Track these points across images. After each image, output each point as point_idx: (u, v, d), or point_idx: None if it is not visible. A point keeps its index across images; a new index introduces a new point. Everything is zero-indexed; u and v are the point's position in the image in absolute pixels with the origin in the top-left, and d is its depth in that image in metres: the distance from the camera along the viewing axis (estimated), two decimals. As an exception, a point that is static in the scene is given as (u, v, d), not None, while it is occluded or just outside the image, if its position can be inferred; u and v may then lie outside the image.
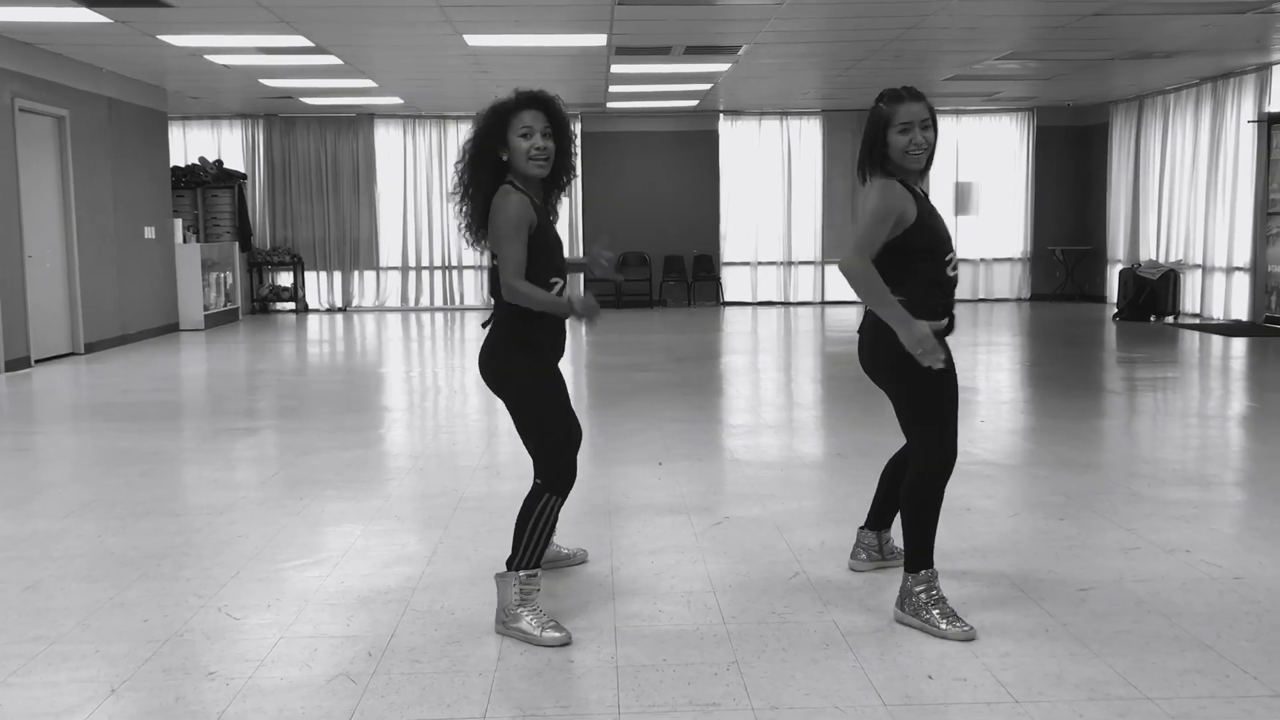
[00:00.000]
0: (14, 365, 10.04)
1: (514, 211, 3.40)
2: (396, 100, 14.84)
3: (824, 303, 16.90)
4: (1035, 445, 6.38)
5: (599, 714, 2.89)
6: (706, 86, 13.71)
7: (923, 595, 3.46)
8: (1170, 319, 13.63)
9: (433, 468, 5.96)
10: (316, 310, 16.71)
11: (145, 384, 9.49)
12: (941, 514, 4.77)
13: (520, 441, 3.60)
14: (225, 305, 15.00)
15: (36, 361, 10.49)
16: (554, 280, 3.47)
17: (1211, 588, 3.80)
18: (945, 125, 16.85)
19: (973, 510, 4.87)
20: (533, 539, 3.47)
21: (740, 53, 11.39)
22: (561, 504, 3.52)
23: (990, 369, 9.86)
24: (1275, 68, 12.71)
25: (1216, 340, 11.57)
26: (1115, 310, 14.36)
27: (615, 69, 12.20)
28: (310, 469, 5.84)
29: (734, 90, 14.28)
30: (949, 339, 3.59)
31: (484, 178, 3.49)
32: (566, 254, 3.69)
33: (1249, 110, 13.05)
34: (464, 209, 3.55)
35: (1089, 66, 12.65)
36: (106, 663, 3.25)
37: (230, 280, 15.25)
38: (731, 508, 4.87)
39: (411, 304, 16.80)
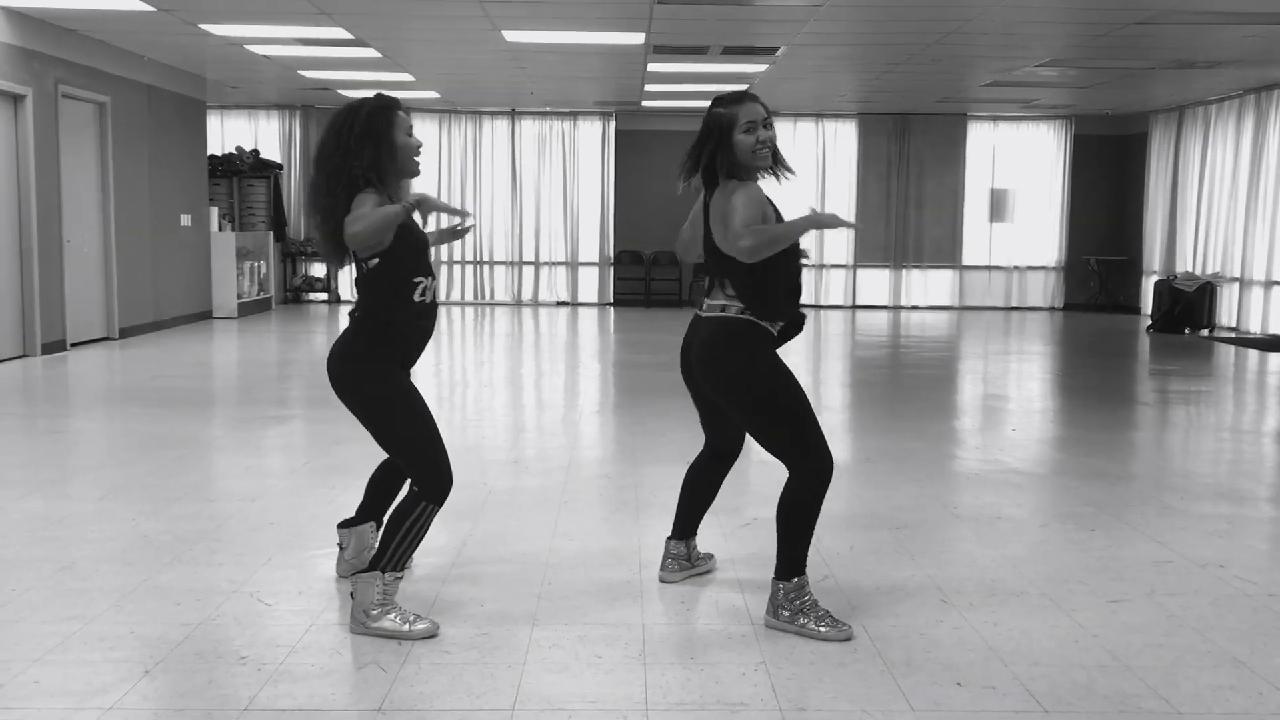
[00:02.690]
0: (50, 349, 10.15)
1: (374, 204, 3.29)
2: (433, 94, 14.90)
3: (855, 306, 16.85)
4: (1066, 455, 6.34)
5: (627, 710, 2.90)
6: (743, 87, 13.69)
7: (796, 602, 3.43)
8: (1205, 332, 13.49)
9: (461, 461, 5.95)
10: (348, 301, 16.81)
11: (178, 370, 9.57)
12: (971, 521, 4.79)
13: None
14: (258, 294, 15.10)
15: (72, 345, 10.60)
16: (418, 280, 3.42)
17: (1245, 604, 3.77)
18: (981, 131, 16.80)
19: (1003, 519, 4.85)
20: (404, 544, 3.41)
21: (778, 54, 11.37)
22: (437, 511, 3.45)
23: (1022, 378, 9.80)
24: (1319, 81, 12.56)
25: (1252, 355, 11.45)
26: (1149, 322, 14.24)
27: (652, 68, 12.20)
28: (341, 458, 5.88)
29: (770, 91, 14.25)
30: (791, 341, 3.65)
31: (354, 178, 3.36)
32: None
33: (1291, 123, 12.90)
34: (322, 218, 3.42)
35: (1129, 76, 12.54)
36: (140, 644, 3.28)
37: (264, 270, 15.36)
38: (759, 509, 4.87)
39: (442, 298, 16.87)
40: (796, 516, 3.46)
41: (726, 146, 3.45)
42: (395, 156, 3.42)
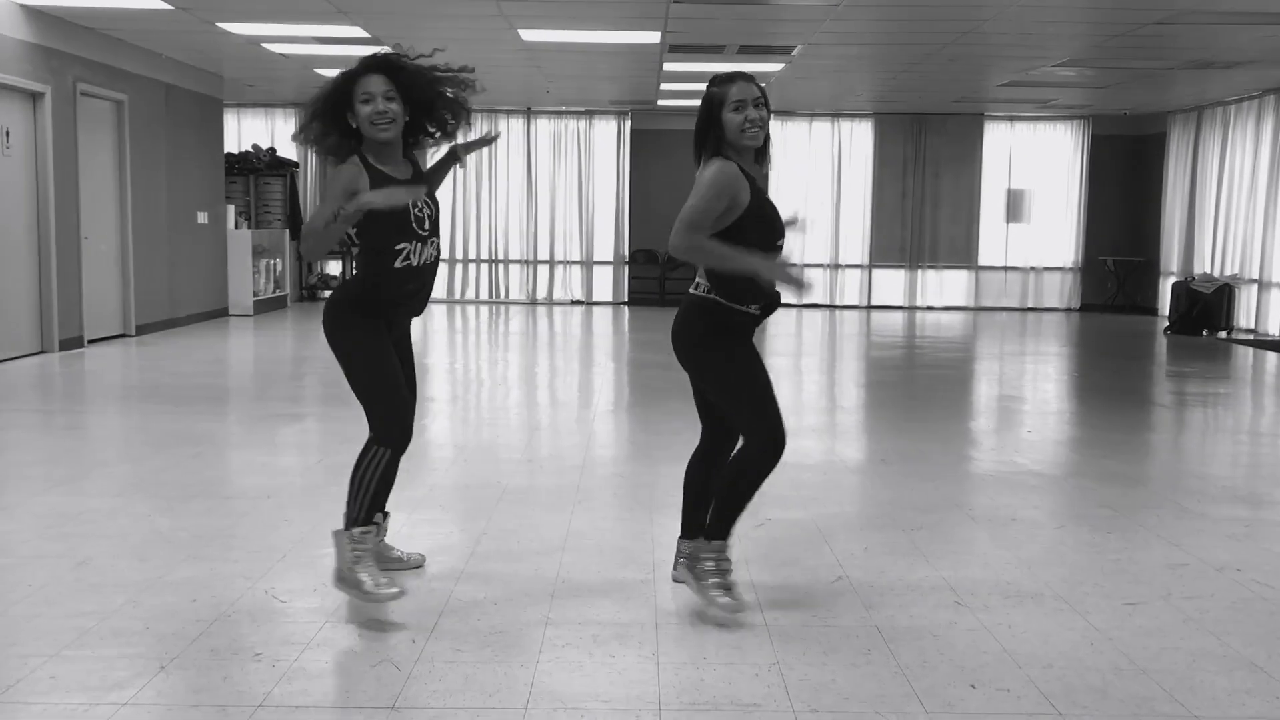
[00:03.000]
0: (68, 345, 10.21)
1: (340, 182, 3.47)
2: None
3: (870, 306, 16.81)
4: (1082, 457, 6.31)
5: (640, 710, 2.90)
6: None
7: (710, 564, 3.57)
8: (1223, 334, 13.42)
9: (476, 459, 5.99)
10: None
11: (194, 367, 9.61)
12: (987, 523, 4.77)
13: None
14: (274, 292, 15.15)
15: (89, 342, 10.66)
16: (401, 246, 3.53)
17: (1262, 608, 3.74)
18: (998, 131, 16.74)
19: (1018, 520, 4.83)
20: (360, 492, 3.59)
21: (795, 53, 11.35)
22: (390, 459, 3.61)
23: (1038, 379, 9.77)
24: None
25: (1271, 357, 11.38)
26: (1167, 324, 14.17)
27: (668, 67, 12.20)
28: (355, 456, 5.88)
29: (786, 91, 14.23)
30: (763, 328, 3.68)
31: (332, 144, 3.57)
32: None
33: (1311, 124, 12.82)
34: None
35: (1148, 76, 12.48)
36: (156, 640, 3.30)
37: (280, 267, 15.41)
38: (774, 510, 4.86)
39: (457, 296, 16.90)
40: (742, 483, 3.57)
41: (716, 124, 3.48)
42: (360, 126, 3.52)
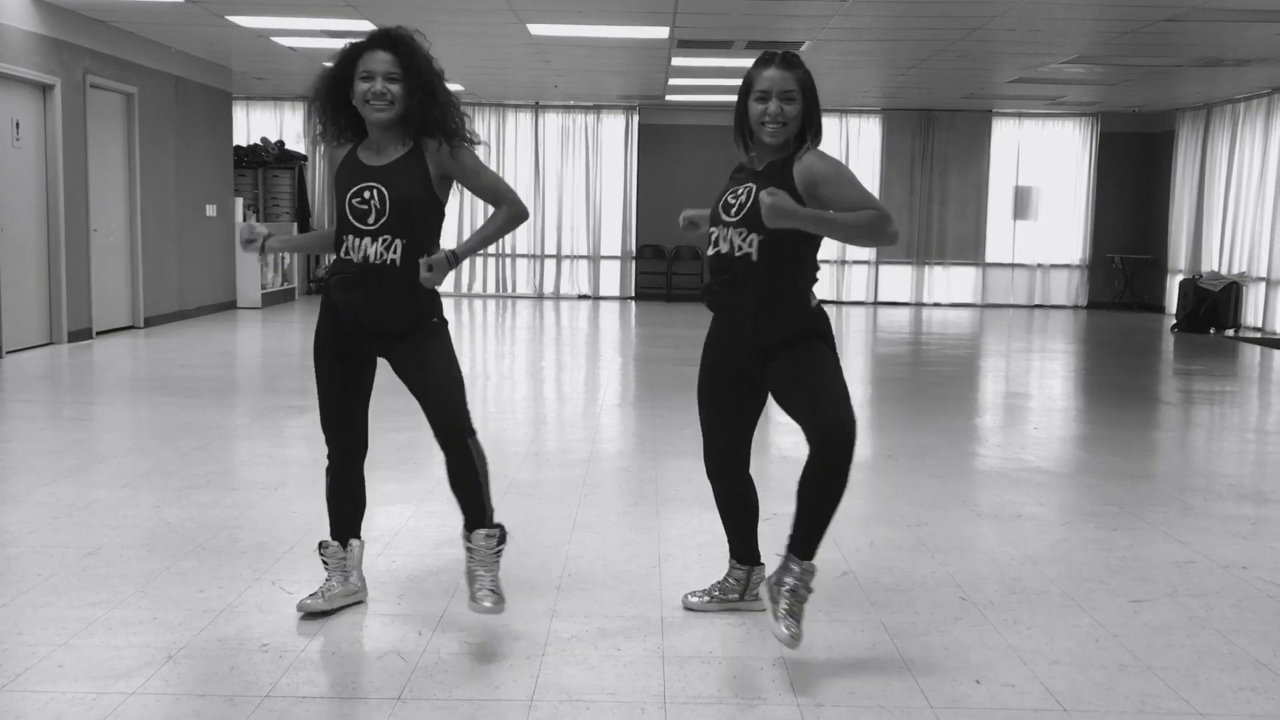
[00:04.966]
0: (76, 336, 10.24)
1: (329, 173, 3.41)
2: (457, 87, 14.92)
3: (877, 303, 16.80)
4: (1088, 454, 6.31)
5: (645, 703, 2.91)
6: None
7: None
8: (1231, 332, 13.39)
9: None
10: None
11: (202, 360, 9.64)
12: (992, 519, 4.78)
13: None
14: (282, 285, 15.18)
15: (98, 334, 10.69)
16: (344, 238, 3.26)
17: (1269, 606, 3.74)
18: (1006, 128, 16.71)
19: (1024, 517, 4.83)
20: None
21: (803, 49, 11.33)
22: (329, 471, 3.52)
23: (1044, 376, 9.75)
24: (1350, 79, 12.44)
25: (1278, 355, 11.36)
26: (1174, 321, 14.14)
27: (676, 62, 12.19)
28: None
29: (794, 86, 14.20)
30: (731, 338, 3.35)
31: (344, 121, 3.32)
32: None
33: (1321, 122, 12.77)
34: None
35: (1157, 73, 12.45)
36: (164, 630, 3.31)
37: (288, 260, 15.43)
38: (779, 505, 4.84)
39: (464, 290, 16.91)
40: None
41: (743, 110, 3.22)
42: (358, 106, 3.24)
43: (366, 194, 3.24)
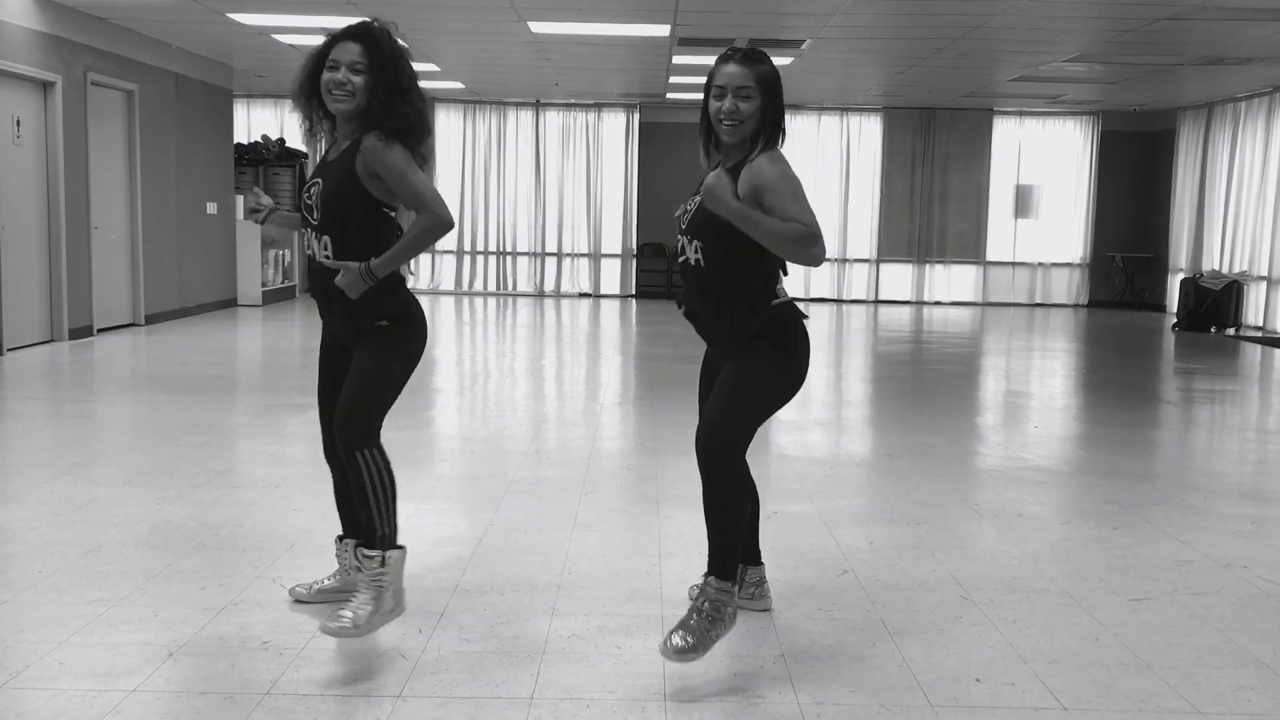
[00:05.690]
0: (77, 334, 10.24)
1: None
2: (458, 85, 14.93)
3: (877, 301, 16.80)
4: (1089, 453, 6.31)
5: (646, 701, 2.91)
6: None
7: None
8: (1232, 331, 13.39)
9: (483, 450, 6.01)
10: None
11: (203, 357, 9.64)
12: (993, 518, 4.78)
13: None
14: (283, 283, 15.17)
15: (99, 331, 10.69)
16: (305, 231, 3.27)
17: (1268, 605, 3.74)
18: (1007, 127, 16.70)
19: (1024, 516, 4.83)
20: None
21: (804, 47, 11.33)
22: (333, 470, 3.47)
23: (1045, 374, 9.75)
24: (1351, 78, 12.43)
25: (1279, 354, 11.36)
26: (1175, 320, 14.13)
27: (677, 60, 12.18)
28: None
29: (795, 85, 14.21)
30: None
31: (320, 114, 3.29)
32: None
33: (1322, 121, 12.76)
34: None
35: (1158, 72, 12.44)
36: (165, 627, 3.32)
37: (288, 258, 15.43)
38: (779, 503, 4.87)
39: (465, 288, 16.91)
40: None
41: (706, 108, 3.12)
42: (324, 95, 3.22)
43: (313, 189, 3.24)
